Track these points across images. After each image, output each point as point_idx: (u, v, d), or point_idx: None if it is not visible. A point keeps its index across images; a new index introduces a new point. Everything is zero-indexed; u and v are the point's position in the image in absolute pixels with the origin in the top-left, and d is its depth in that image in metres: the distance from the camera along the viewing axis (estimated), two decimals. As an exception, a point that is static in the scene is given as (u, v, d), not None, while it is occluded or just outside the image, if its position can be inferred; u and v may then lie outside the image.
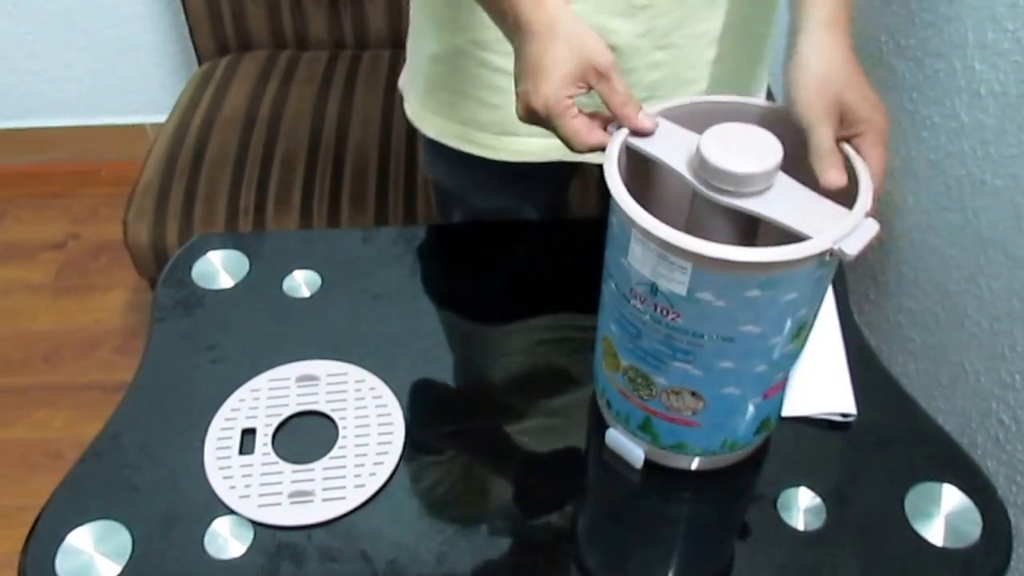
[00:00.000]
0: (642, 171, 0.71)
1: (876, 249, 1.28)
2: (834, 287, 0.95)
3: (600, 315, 0.75)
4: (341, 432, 0.82)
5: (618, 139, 0.68)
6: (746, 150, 0.63)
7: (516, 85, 0.70)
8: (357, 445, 0.81)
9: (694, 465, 0.79)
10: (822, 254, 0.61)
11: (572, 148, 0.69)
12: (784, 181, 0.65)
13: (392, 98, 1.68)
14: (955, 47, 1.05)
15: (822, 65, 0.67)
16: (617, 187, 0.64)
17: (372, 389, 0.85)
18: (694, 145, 0.65)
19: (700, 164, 0.64)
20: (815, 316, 0.70)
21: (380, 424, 0.82)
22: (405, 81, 1.04)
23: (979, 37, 1.00)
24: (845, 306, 0.94)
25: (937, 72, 1.09)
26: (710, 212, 0.67)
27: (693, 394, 0.70)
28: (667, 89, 0.89)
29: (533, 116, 0.69)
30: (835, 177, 0.65)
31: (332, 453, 0.80)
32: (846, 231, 0.61)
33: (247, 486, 0.77)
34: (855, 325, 0.93)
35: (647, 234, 0.62)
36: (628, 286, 0.67)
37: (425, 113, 0.98)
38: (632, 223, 0.62)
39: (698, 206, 0.69)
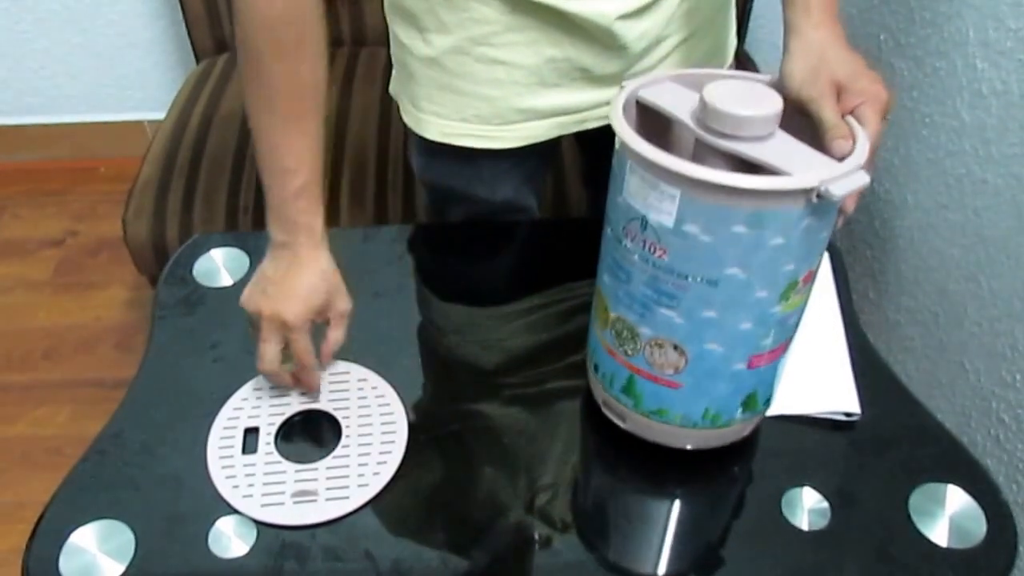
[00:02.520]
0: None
1: (875, 248, 1.28)
2: (836, 287, 0.95)
3: (598, 269, 0.76)
4: (344, 431, 0.82)
5: (624, 93, 0.72)
6: (747, 98, 0.66)
7: (263, 289, 0.81)
8: (360, 444, 0.81)
9: (686, 443, 0.77)
10: (808, 192, 0.62)
11: (298, 361, 0.82)
12: (784, 136, 0.67)
13: (390, 95, 1.67)
14: (956, 45, 1.05)
15: (815, 56, 0.73)
16: (620, 122, 0.67)
17: (374, 388, 0.85)
18: (697, 99, 0.68)
19: (703, 110, 0.66)
20: (805, 299, 0.71)
21: (383, 423, 0.82)
22: (397, 88, 1.04)
23: (980, 35, 1.00)
24: (848, 305, 0.94)
25: (937, 70, 1.09)
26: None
27: (676, 348, 0.70)
28: (648, 47, 0.92)
29: (274, 320, 0.79)
30: (842, 146, 0.67)
31: (335, 452, 0.80)
32: (836, 174, 0.62)
33: (250, 485, 0.77)
34: (858, 325, 0.93)
35: (640, 159, 0.64)
36: (622, 224, 0.69)
37: (424, 117, 0.98)
38: (628, 150, 0.65)
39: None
